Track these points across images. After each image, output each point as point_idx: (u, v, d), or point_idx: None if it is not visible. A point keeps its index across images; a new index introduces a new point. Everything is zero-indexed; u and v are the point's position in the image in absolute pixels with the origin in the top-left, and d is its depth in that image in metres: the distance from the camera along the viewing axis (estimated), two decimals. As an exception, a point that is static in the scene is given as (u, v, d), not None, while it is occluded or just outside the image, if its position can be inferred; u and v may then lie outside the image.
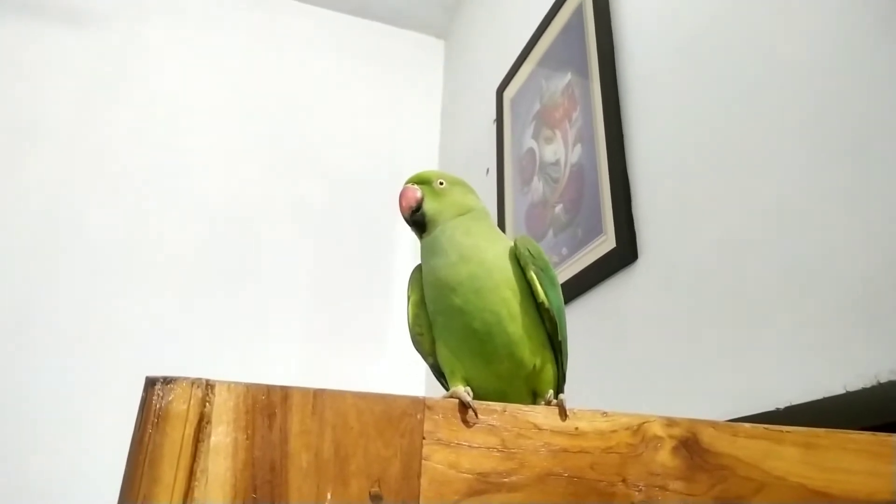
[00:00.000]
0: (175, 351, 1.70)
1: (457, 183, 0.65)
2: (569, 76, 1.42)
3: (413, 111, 2.38)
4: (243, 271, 1.91)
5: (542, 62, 1.58)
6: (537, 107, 1.56)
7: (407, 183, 0.64)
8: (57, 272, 1.72)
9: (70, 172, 1.83)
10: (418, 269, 0.63)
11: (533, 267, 0.57)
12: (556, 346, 0.59)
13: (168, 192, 1.92)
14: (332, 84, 2.30)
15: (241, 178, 2.02)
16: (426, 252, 0.61)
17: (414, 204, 0.61)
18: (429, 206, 0.61)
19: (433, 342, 0.61)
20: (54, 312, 1.68)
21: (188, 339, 1.75)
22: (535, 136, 1.55)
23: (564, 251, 1.29)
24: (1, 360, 1.59)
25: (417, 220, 0.62)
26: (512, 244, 0.59)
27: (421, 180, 0.64)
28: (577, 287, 1.20)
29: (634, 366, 1.04)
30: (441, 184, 0.63)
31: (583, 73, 1.35)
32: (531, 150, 1.55)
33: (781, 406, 0.73)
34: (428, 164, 2.18)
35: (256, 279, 1.91)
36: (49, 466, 1.51)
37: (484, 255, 0.57)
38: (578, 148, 1.32)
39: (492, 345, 0.55)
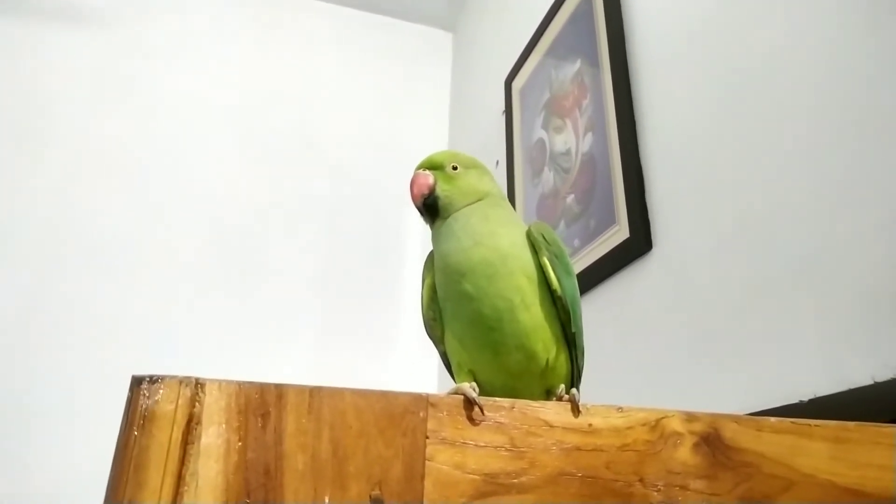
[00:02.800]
0: (181, 351, 1.69)
1: (471, 165, 0.62)
2: (578, 64, 1.39)
3: (421, 105, 2.36)
4: (251, 269, 1.89)
5: (550, 51, 1.55)
6: (546, 96, 1.53)
7: (418, 168, 0.61)
8: (63, 271, 1.72)
9: (76, 172, 1.83)
10: (433, 253, 0.60)
11: (547, 253, 0.54)
12: (570, 340, 0.56)
13: (175, 190, 1.91)
14: (339, 79, 2.28)
15: (247, 174, 2.01)
16: (438, 238, 0.58)
17: (426, 191, 0.58)
18: (442, 192, 0.58)
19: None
20: (60, 311, 1.67)
21: (195, 339, 1.74)
22: (545, 126, 1.52)
23: (577, 242, 1.26)
24: (5, 357, 1.59)
25: (430, 207, 0.59)
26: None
27: (433, 165, 0.61)
28: (591, 279, 1.17)
29: (650, 359, 1.01)
30: (454, 168, 0.60)
31: (592, 60, 1.32)
32: (541, 141, 1.53)
33: (806, 398, 0.70)
34: (437, 158, 2.15)
35: (264, 277, 1.90)
36: (41, 468, 1.50)
37: (500, 241, 0.54)
38: (589, 137, 1.29)
39: (501, 334, 0.52)
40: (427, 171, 0.60)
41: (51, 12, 1.98)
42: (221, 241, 1.90)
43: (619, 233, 1.12)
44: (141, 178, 1.89)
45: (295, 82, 2.21)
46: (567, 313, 0.55)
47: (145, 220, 1.84)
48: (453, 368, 0.57)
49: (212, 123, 2.04)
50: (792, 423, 0.45)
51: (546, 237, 0.55)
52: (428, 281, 0.59)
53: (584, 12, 1.39)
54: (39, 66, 1.92)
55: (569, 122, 1.40)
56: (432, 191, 0.59)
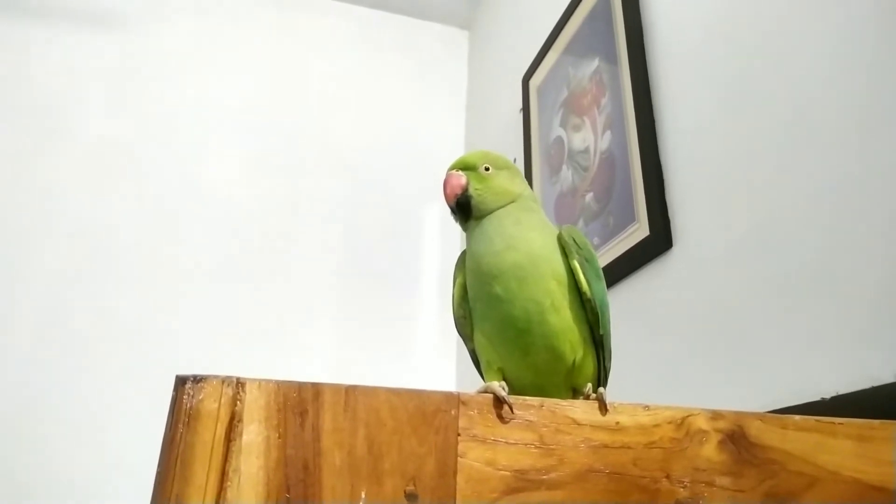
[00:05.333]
0: (206, 351, 1.71)
1: (503, 166, 0.63)
2: (596, 62, 1.39)
3: (438, 103, 2.36)
4: (272, 269, 1.91)
5: (568, 49, 1.56)
6: (564, 94, 1.54)
7: (451, 168, 0.62)
8: (86, 273, 1.74)
9: (97, 173, 1.85)
10: (465, 253, 0.61)
11: (577, 257, 0.55)
12: (598, 342, 0.57)
13: (196, 190, 1.93)
14: (356, 79, 2.29)
15: (267, 175, 2.03)
16: (472, 239, 0.59)
17: (459, 191, 0.60)
18: (475, 192, 0.60)
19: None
20: (85, 313, 1.70)
21: (218, 339, 1.76)
22: (563, 124, 1.52)
23: (596, 241, 1.26)
24: (34, 361, 1.61)
25: (463, 207, 0.60)
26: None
27: (465, 165, 0.62)
28: (611, 277, 1.17)
29: (671, 356, 1.01)
30: (487, 168, 0.61)
31: (611, 57, 1.32)
32: (559, 139, 1.53)
33: (828, 396, 0.71)
34: (454, 156, 2.16)
35: (286, 277, 1.91)
36: (81, 467, 1.53)
37: (531, 245, 0.56)
38: (608, 134, 1.30)
39: (530, 335, 0.53)
40: (460, 172, 0.61)
41: (68, 15, 2.01)
42: (242, 242, 1.91)
43: (639, 231, 1.12)
44: (161, 180, 1.91)
45: (311, 82, 2.23)
46: (596, 316, 0.56)
47: (165, 223, 1.86)
48: (482, 366, 0.58)
49: (230, 125, 2.05)
50: (816, 420, 0.45)
51: (577, 241, 0.56)
52: (459, 280, 0.60)
53: (601, 9, 1.39)
54: (57, 69, 1.94)
55: (587, 120, 1.40)
56: (465, 191, 0.60)
